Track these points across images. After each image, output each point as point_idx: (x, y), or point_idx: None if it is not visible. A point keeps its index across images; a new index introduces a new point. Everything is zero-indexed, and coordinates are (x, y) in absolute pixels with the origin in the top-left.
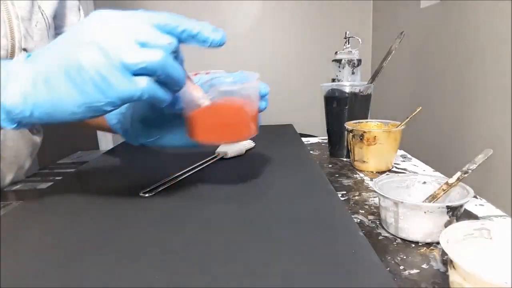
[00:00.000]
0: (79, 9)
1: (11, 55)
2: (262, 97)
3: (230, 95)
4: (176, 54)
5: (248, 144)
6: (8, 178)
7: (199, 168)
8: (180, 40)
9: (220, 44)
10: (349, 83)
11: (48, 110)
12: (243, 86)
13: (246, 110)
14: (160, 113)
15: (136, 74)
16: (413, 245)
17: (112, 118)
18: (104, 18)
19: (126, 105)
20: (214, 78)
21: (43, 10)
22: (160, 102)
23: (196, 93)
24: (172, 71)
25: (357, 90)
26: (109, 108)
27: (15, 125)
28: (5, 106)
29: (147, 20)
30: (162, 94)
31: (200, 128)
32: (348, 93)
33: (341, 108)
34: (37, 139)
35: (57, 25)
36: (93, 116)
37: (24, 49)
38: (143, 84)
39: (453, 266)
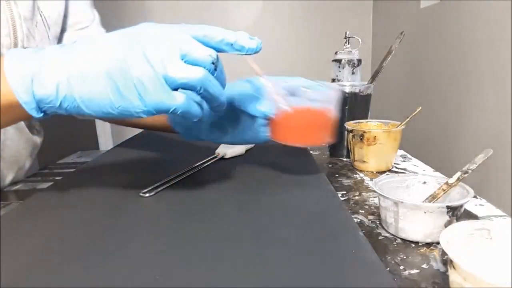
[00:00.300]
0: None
1: None
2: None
3: (316, 102)
4: (216, 65)
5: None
6: (8, 178)
7: (199, 168)
8: (218, 50)
9: (256, 51)
10: (349, 83)
11: (80, 104)
12: (326, 94)
13: (328, 117)
14: (231, 115)
15: (176, 88)
16: (413, 245)
17: (175, 124)
18: (150, 29)
19: None
20: (294, 85)
21: (41, 11)
22: (192, 117)
23: (279, 98)
24: (212, 88)
25: (357, 90)
26: (142, 115)
27: (41, 114)
28: (36, 94)
29: (188, 32)
30: (195, 111)
31: (286, 130)
32: (348, 93)
33: (341, 108)
34: (37, 139)
35: (69, 24)
36: (121, 118)
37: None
38: (181, 100)
39: (453, 266)
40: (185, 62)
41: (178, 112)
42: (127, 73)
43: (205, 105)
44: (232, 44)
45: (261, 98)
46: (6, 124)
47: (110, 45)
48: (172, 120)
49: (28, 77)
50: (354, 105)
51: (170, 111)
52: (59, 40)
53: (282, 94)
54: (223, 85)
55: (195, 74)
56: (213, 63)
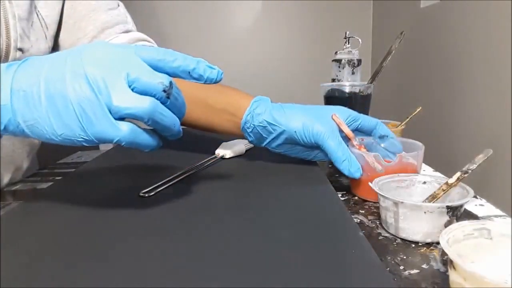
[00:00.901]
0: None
1: (6, 54)
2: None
3: (407, 162)
4: (168, 92)
5: (248, 144)
6: (6, 178)
7: (199, 168)
8: (174, 76)
9: (215, 81)
10: (349, 83)
11: (25, 129)
12: (417, 155)
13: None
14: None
15: (121, 118)
16: (413, 245)
17: (249, 127)
18: (99, 50)
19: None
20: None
21: (38, 11)
22: (142, 148)
23: (371, 159)
24: (162, 119)
25: (357, 90)
26: (84, 144)
27: None
28: None
29: (141, 55)
30: (144, 141)
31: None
32: (348, 93)
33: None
34: (34, 140)
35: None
36: (65, 145)
37: (20, 49)
38: (125, 130)
39: (453, 266)
40: (133, 89)
41: (123, 144)
42: (67, 97)
43: (155, 135)
44: (189, 72)
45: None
46: None
47: (55, 64)
48: (244, 127)
49: None
50: (354, 105)
51: (114, 142)
52: (56, 40)
53: (375, 156)
54: (180, 112)
55: (142, 104)
56: (164, 90)
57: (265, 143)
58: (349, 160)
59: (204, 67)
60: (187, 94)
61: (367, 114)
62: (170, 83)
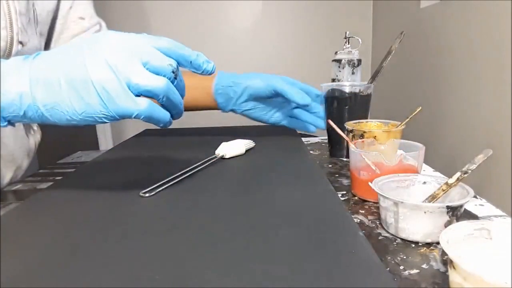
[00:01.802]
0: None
1: (10, 47)
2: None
3: (408, 163)
4: (176, 74)
5: (248, 144)
6: (7, 177)
7: (199, 168)
8: (178, 63)
9: (210, 73)
10: (349, 83)
11: (44, 113)
12: (417, 155)
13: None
14: (271, 96)
15: (138, 95)
16: (413, 245)
17: (219, 89)
18: (113, 37)
19: (240, 83)
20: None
21: (35, 8)
22: (156, 122)
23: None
24: (173, 97)
25: (357, 90)
26: (105, 121)
27: (5, 123)
28: (2, 101)
29: (151, 43)
30: (159, 115)
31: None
32: (348, 93)
33: (341, 108)
34: (34, 139)
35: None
36: (86, 124)
37: (21, 42)
38: (144, 105)
39: (453, 266)
40: (147, 70)
41: (142, 117)
42: (88, 79)
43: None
44: (191, 62)
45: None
46: None
47: (72, 52)
48: (215, 90)
49: None
50: (354, 105)
51: (133, 116)
52: (47, 39)
53: (375, 156)
54: (182, 93)
55: (158, 83)
56: (173, 72)
57: (232, 102)
58: (301, 93)
59: (204, 59)
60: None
61: (367, 114)
62: (177, 66)
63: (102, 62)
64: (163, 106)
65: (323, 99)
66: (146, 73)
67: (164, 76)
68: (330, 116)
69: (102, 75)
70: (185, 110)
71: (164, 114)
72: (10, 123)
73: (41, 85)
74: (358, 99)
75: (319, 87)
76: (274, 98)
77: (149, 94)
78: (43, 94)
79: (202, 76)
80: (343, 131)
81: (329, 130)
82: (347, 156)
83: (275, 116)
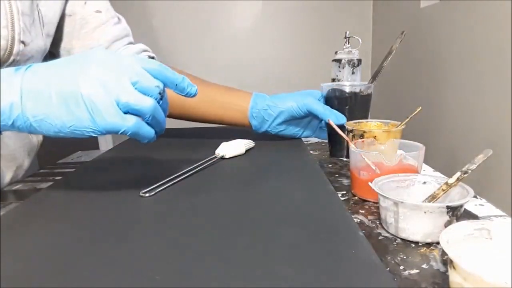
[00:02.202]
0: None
1: (11, 46)
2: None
3: (407, 162)
4: (162, 95)
5: (248, 144)
6: (8, 177)
7: (199, 168)
8: (165, 85)
9: (192, 96)
10: (349, 83)
11: (33, 124)
12: (417, 155)
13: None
14: (304, 116)
15: (126, 112)
16: (413, 245)
17: (254, 112)
18: (104, 56)
19: (274, 106)
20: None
21: (39, 9)
22: (142, 139)
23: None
24: (158, 116)
25: (357, 90)
26: (92, 135)
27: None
28: None
29: (141, 64)
30: (145, 132)
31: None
32: (348, 93)
33: (341, 108)
34: (34, 139)
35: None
36: (73, 137)
37: (22, 42)
38: (132, 122)
39: (453, 266)
40: (140, 90)
41: (128, 134)
42: (79, 94)
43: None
44: (176, 84)
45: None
46: None
47: (64, 67)
48: (251, 113)
49: None
50: (354, 105)
51: (120, 132)
52: (53, 42)
53: (376, 155)
54: (165, 111)
55: (146, 103)
56: (160, 93)
57: (267, 125)
58: (333, 113)
59: (187, 83)
60: (203, 94)
61: (367, 114)
62: (164, 87)
63: (93, 78)
64: (147, 124)
65: (323, 99)
66: (135, 92)
67: (151, 96)
68: None
69: (92, 90)
70: (217, 124)
71: (149, 131)
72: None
73: (31, 97)
74: (359, 98)
75: (319, 87)
76: (307, 116)
77: (136, 113)
78: (33, 105)
79: (238, 95)
80: (343, 131)
81: (329, 130)
82: (347, 156)
83: (306, 131)
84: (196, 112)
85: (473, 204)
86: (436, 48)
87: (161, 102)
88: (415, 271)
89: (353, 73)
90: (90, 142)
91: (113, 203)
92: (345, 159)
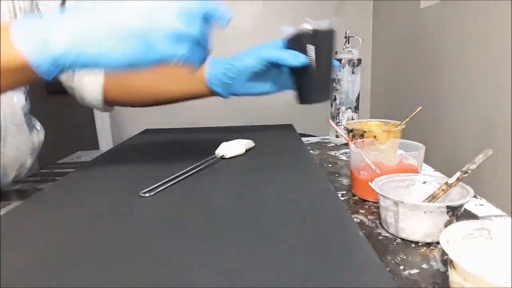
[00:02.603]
0: None
1: None
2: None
3: (407, 162)
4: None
5: (248, 144)
6: (11, 175)
7: (199, 168)
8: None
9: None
10: (308, 21)
11: (90, 62)
12: (418, 155)
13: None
14: (266, 67)
15: (176, 41)
16: (413, 245)
17: (212, 78)
18: None
19: (232, 67)
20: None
21: (39, 8)
22: (194, 62)
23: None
24: (205, 39)
25: (314, 27)
26: (150, 65)
27: (51, 75)
28: (51, 54)
29: None
30: (196, 56)
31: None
32: (305, 30)
33: (302, 49)
34: (38, 138)
35: None
36: (128, 70)
37: None
38: (184, 49)
39: (453, 266)
40: (185, 18)
41: (183, 60)
42: (131, 28)
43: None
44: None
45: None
46: (15, 86)
47: (111, 4)
48: (210, 80)
49: (39, 38)
50: (315, 43)
51: (174, 61)
52: None
53: (376, 155)
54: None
55: (194, 29)
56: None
57: (231, 88)
58: (291, 53)
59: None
60: (153, 72)
61: (331, 52)
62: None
63: (141, 12)
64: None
65: (285, 44)
66: (182, 21)
67: (196, 22)
68: None
69: (143, 24)
70: (183, 101)
71: (200, 54)
72: (55, 75)
73: (85, 36)
74: (319, 36)
75: None
76: (270, 69)
77: (186, 40)
78: (88, 44)
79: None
80: (307, 72)
81: (293, 72)
82: (322, 98)
83: (275, 86)
84: (150, 91)
85: (473, 204)
86: (436, 48)
87: (204, 27)
88: (415, 271)
89: (353, 72)
90: (90, 142)
91: (113, 203)
92: (320, 103)
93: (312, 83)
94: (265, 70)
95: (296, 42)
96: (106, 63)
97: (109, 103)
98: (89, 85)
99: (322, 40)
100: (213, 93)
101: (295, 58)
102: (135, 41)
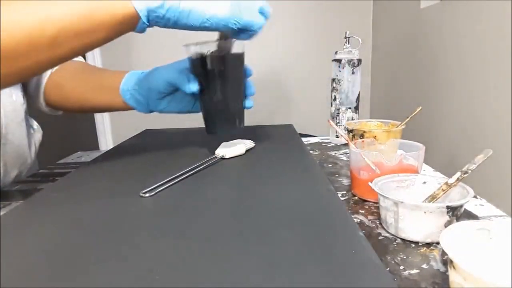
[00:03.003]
0: None
1: None
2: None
3: (407, 162)
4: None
5: (248, 144)
6: (12, 174)
7: (199, 168)
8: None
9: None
10: (204, 42)
11: (181, 14)
12: (418, 155)
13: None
14: (172, 89)
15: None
16: (413, 245)
17: (126, 93)
18: None
19: (143, 84)
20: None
21: None
22: (258, 30)
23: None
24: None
25: (208, 49)
26: (233, 28)
27: (147, 24)
28: (148, 5)
29: None
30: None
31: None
32: (199, 54)
33: (200, 73)
34: (37, 136)
35: None
36: (215, 30)
37: None
38: (263, 20)
39: (453, 266)
40: None
41: (258, 29)
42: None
43: None
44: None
45: (191, 79)
46: (114, 37)
47: None
48: (124, 95)
49: None
50: (215, 67)
51: (255, 28)
52: None
53: (376, 155)
54: None
55: (269, 9)
56: None
57: (144, 105)
58: (185, 79)
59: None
60: (86, 78)
61: (238, 78)
62: None
63: None
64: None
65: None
66: (265, 2)
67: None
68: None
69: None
70: (106, 111)
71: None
72: (150, 24)
73: None
74: (215, 60)
75: (319, 87)
76: (177, 90)
77: (266, 15)
78: (183, 1)
79: (113, 75)
80: (209, 103)
81: (200, 99)
82: (233, 127)
83: (195, 105)
84: (78, 98)
85: (473, 204)
86: (436, 48)
87: None
88: (415, 271)
89: (353, 73)
90: (90, 142)
91: (113, 203)
92: (226, 133)
93: (213, 113)
94: (174, 91)
95: (199, 64)
96: (198, 18)
97: (52, 106)
98: (36, 86)
99: (227, 65)
100: (128, 107)
101: (187, 85)
102: (227, 4)
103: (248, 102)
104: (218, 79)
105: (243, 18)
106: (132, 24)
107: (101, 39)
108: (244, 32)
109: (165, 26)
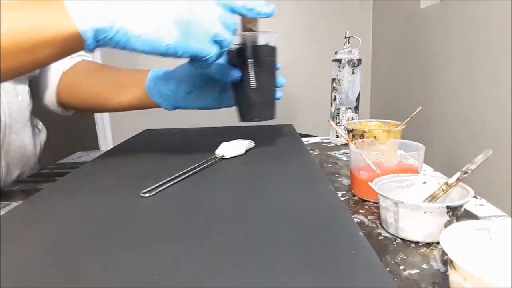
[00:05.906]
0: None
1: None
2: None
3: (407, 162)
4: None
5: (248, 144)
6: (14, 173)
7: (199, 168)
8: (240, 14)
9: (270, 15)
10: (249, 33)
11: (131, 38)
12: (418, 155)
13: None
14: (203, 82)
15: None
16: (413, 245)
17: (153, 90)
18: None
19: (172, 79)
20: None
21: None
22: (209, 64)
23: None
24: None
25: (249, 40)
26: (184, 56)
27: (94, 45)
28: (95, 26)
29: (222, 2)
30: (218, 59)
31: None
32: (240, 43)
33: (239, 63)
34: (41, 136)
35: None
36: (164, 56)
37: None
38: (216, 50)
39: (453, 266)
40: (224, 22)
41: (213, 59)
42: (178, 19)
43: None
44: (250, 9)
45: (230, 68)
46: (63, 54)
47: None
48: (150, 91)
49: (89, 10)
50: (253, 58)
51: (207, 57)
52: None
53: (376, 155)
54: None
55: (228, 37)
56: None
57: (172, 101)
58: (224, 68)
59: (261, 5)
60: (108, 78)
61: (272, 68)
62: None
63: (188, 8)
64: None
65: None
66: (222, 28)
67: (231, 31)
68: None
69: (191, 18)
70: (129, 110)
71: (220, 60)
72: (98, 45)
73: (134, 13)
74: (256, 50)
75: (319, 87)
76: (210, 82)
77: (221, 44)
78: (134, 22)
79: (136, 72)
80: (243, 87)
81: (233, 87)
82: (269, 117)
83: (215, 102)
84: (97, 98)
85: (473, 204)
86: (436, 48)
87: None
88: (415, 271)
89: (353, 73)
90: (90, 142)
91: (113, 203)
92: (261, 120)
93: (251, 100)
94: (205, 84)
95: (236, 55)
96: (145, 45)
97: (63, 106)
98: (46, 86)
99: (264, 55)
100: (153, 104)
101: (229, 72)
102: (177, 32)
103: (278, 93)
104: (257, 68)
105: (191, 46)
106: (80, 42)
107: (49, 56)
108: (197, 60)
109: (114, 47)
